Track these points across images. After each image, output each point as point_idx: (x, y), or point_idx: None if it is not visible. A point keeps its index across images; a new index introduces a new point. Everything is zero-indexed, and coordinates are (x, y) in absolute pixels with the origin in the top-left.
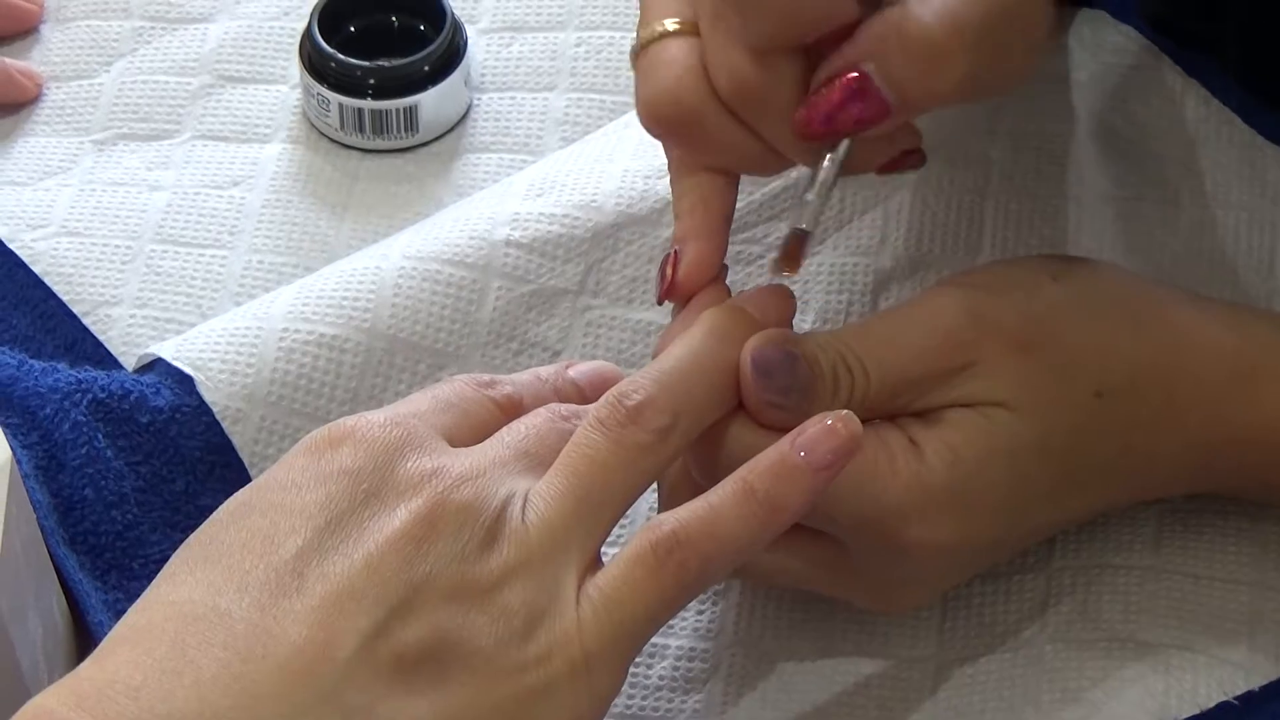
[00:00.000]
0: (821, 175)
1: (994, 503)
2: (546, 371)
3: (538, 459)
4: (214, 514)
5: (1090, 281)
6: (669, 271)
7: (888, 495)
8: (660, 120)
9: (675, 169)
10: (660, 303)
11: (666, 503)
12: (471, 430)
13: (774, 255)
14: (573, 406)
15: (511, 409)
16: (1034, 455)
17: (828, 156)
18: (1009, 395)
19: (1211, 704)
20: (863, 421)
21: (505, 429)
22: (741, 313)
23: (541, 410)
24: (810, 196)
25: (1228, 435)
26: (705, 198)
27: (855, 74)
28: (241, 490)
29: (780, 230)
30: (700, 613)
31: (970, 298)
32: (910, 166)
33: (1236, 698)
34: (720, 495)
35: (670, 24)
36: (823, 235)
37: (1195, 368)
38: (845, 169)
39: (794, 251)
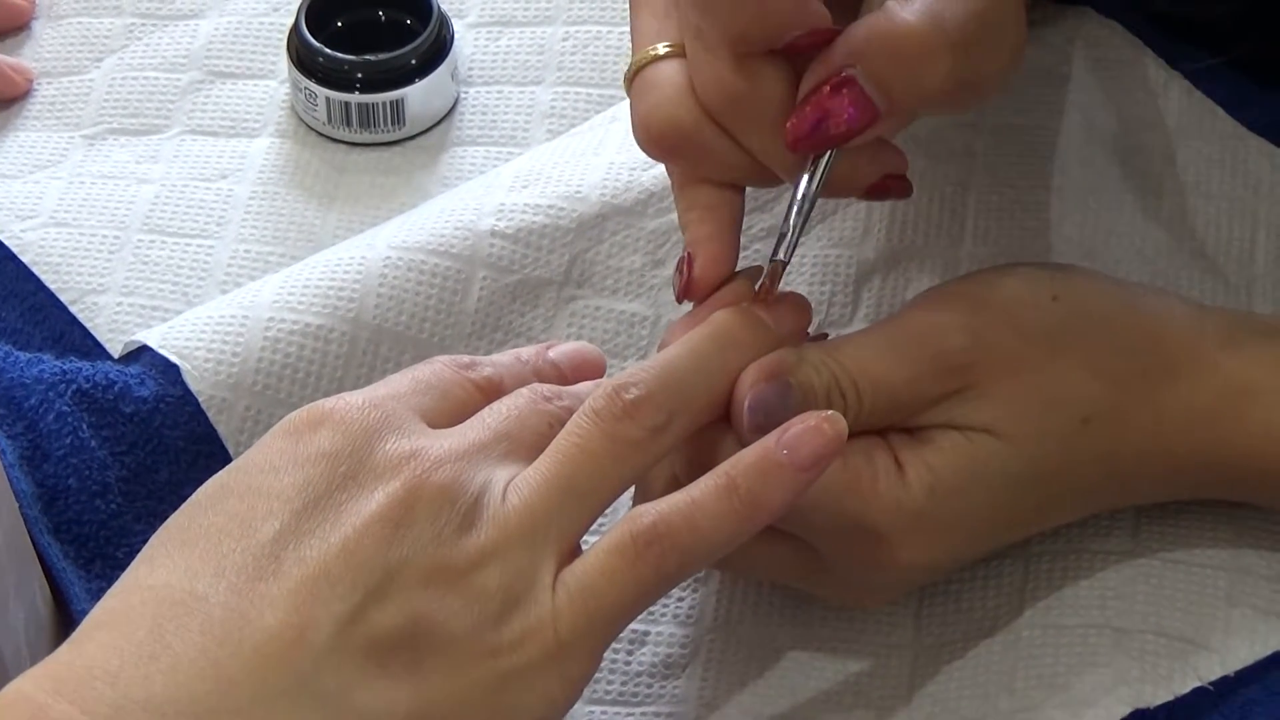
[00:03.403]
0: (797, 205)
1: (973, 526)
2: (526, 353)
3: (518, 441)
4: (192, 496)
5: (1089, 302)
6: (685, 271)
7: (867, 515)
8: (657, 140)
9: (678, 182)
10: (680, 301)
11: (643, 497)
12: (451, 412)
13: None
14: (555, 388)
15: (491, 390)
16: (1016, 483)
17: (802, 185)
18: (996, 422)
19: (1186, 689)
20: (852, 435)
21: (485, 410)
22: (753, 318)
23: (523, 391)
24: (787, 227)
25: (1214, 458)
26: (711, 205)
27: (841, 77)
28: (220, 473)
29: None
30: (680, 599)
31: (970, 316)
32: (897, 194)
33: (1211, 683)
34: (702, 489)
35: (662, 48)
36: (806, 226)
37: (1186, 392)
38: (832, 190)
39: (771, 282)
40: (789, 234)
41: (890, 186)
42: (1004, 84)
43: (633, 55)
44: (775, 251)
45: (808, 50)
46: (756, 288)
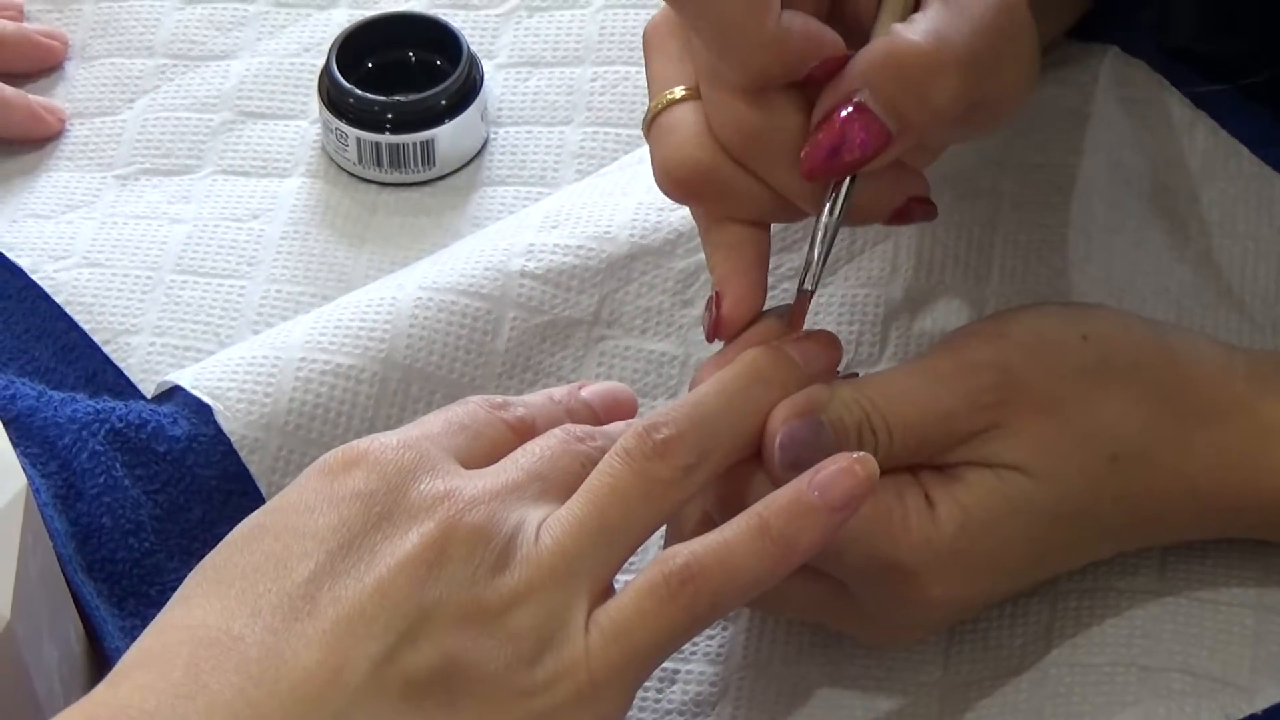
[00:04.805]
0: (820, 233)
1: (1003, 563)
2: (559, 392)
3: (551, 481)
4: (228, 536)
5: (1117, 342)
6: (714, 310)
7: (898, 552)
8: (678, 183)
9: (703, 224)
10: (710, 340)
11: (675, 535)
12: (484, 452)
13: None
14: (587, 428)
15: (524, 430)
16: (1046, 520)
17: (825, 214)
18: (1026, 460)
19: None
20: (883, 473)
21: (518, 451)
22: (783, 356)
23: (556, 431)
24: (812, 256)
25: (1242, 499)
26: (736, 243)
27: (852, 104)
28: (255, 513)
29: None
30: (711, 637)
31: (1000, 355)
32: (921, 217)
33: None
34: (735, 530)
35: (678, 91)
36: (834, 266)
37: (1215, 433)
38: (856, 218)
39: (798, 312)
40: (814, 263)
41: (914, 209)
42: (1019, 103)
43: (649, 99)
44: (801, 282)
45: (822, 80)
46: (787, 320)
